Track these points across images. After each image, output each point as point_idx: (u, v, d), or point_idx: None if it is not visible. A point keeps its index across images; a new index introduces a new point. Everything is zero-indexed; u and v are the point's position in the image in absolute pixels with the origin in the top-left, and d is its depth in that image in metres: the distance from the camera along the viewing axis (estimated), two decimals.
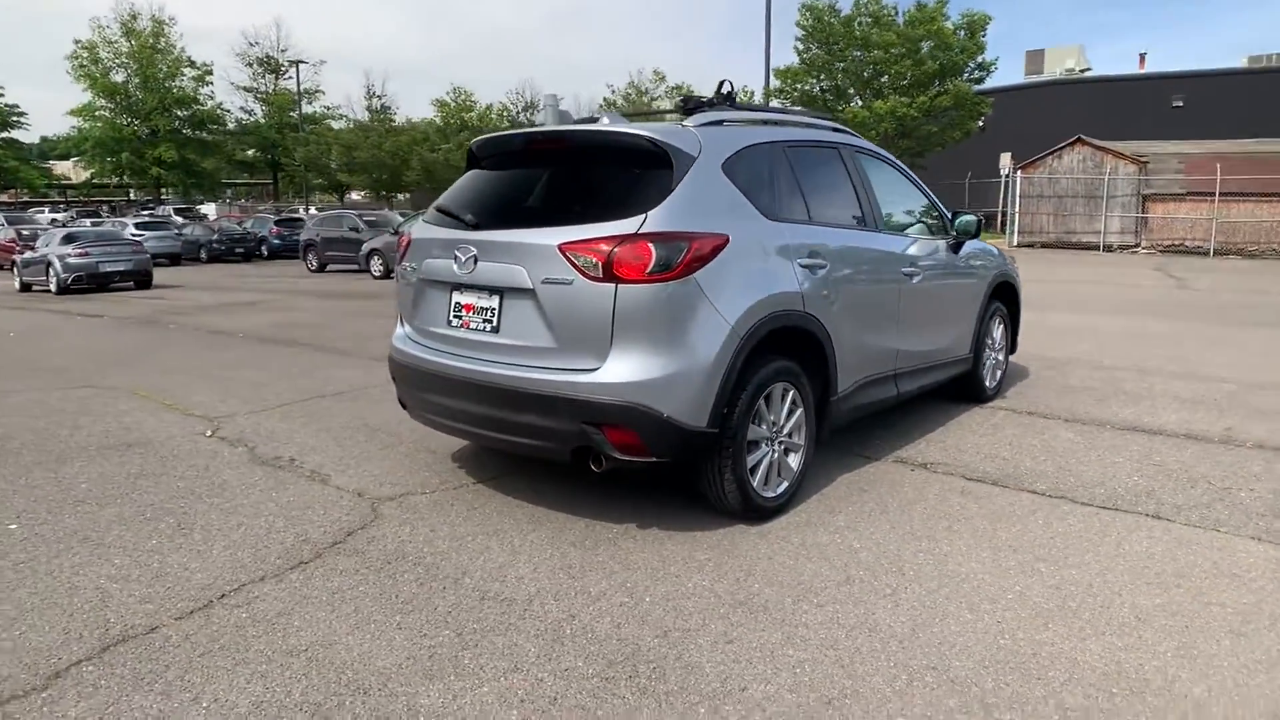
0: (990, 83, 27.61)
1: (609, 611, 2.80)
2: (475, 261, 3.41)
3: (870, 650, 2.56)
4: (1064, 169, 22.30)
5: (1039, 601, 2.87)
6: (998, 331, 5.74)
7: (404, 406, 4.04)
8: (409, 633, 2.65)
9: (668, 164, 3.29)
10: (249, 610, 2.79)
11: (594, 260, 3.09)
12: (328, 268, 22.33)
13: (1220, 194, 19.93)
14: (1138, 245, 21.54)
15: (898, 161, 4.89)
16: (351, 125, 47.57)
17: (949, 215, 5.17)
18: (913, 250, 4.60)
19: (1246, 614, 2.78)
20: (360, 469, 4.26)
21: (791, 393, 3.61)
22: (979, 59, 25.41)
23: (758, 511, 3.50)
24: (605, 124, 3.61)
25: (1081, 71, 37.03)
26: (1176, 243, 21.05)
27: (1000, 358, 5.86)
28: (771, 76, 27.56)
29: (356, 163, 40.85)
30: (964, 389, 5.49)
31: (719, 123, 3.65)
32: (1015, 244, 22.78)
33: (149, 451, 4.61)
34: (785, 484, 3.64)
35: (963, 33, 24.98)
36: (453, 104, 70.10)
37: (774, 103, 29.20)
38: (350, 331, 9.39)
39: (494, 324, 3.41)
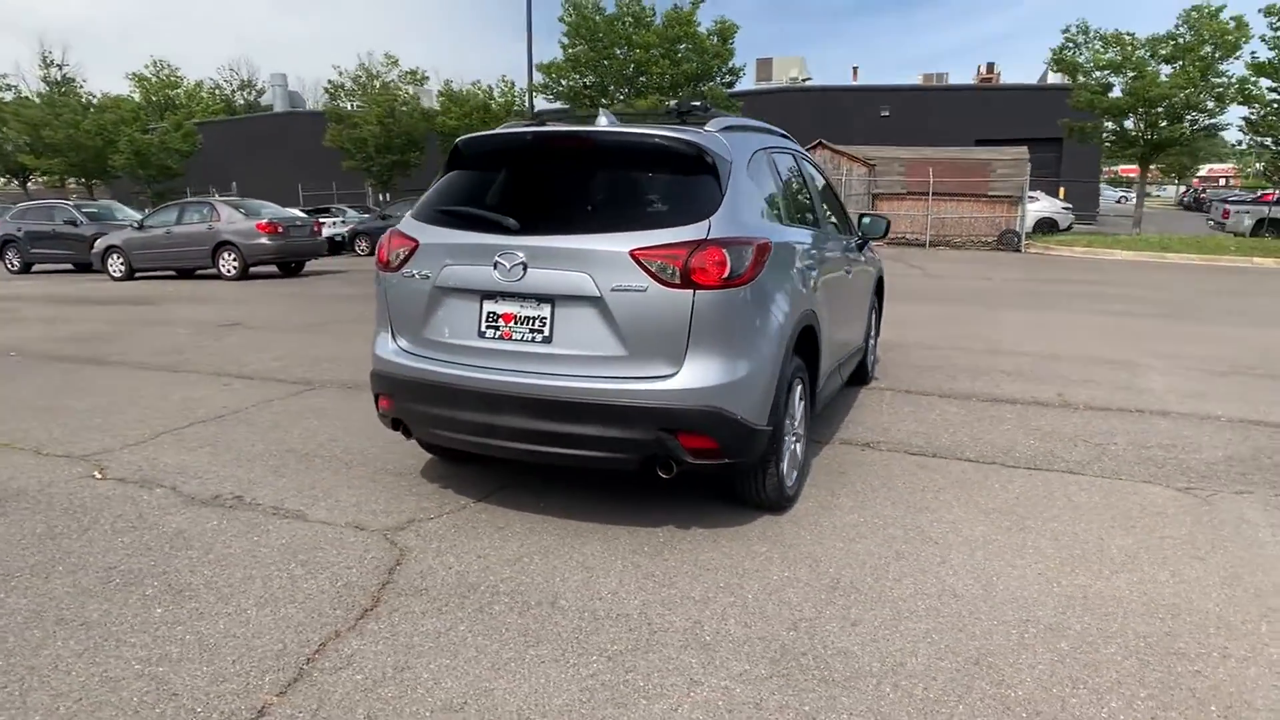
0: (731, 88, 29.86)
1: (727, 613, 2.86)
2: (525, 269, 3.25)
3: (970, 613, 2.88)
4: None
5: (1052, 553, 3.37)
6: (873, 321, 6.43)
7: (397, 426, 3.73)
8: (558, 665, 2.54)
9: (711, 168, 3.37)
10: (360, 671, 2.49)
11: (671, 267, 3.11)
12: (34, 267, 19.00)
13: (934, 194, 23.41)
14: None
15: (818, 164, 5.31)
16: (25, 97, 40.20)
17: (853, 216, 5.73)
18: (845, 250, 5.05)
19: (1192, 543, 3.48)
20: (332, 500, 3.85)
21: (800, 387, 3.86)
22: (729, 64, 27.39)
23: (787, 502, 3.72)
24: (604, 124, 3.59)
25: (804, 80, 41.29)
26: (899, 235, 24.33)
27: (874, 344, 6.58)
28: (535, 70, 27.62)
29: (45, 143, 34.66)
30: (853, 374, 6.09)
31: (729, 127, 3.77)
32: None
33: (38, 504, 3.79)
34: (796, 473, 3.89)
35: (715, 38, 26.78)
36: (154, 79, 61.65)
37: (539, 98, 29.32)
38: (157, 345, 8.14)
39: (545, 334, 3.28)
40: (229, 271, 15.25)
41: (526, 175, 3.67)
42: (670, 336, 3.16)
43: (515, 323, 3.33)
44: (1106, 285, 14.11)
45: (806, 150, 19.36)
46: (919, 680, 2.49)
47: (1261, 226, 24.53)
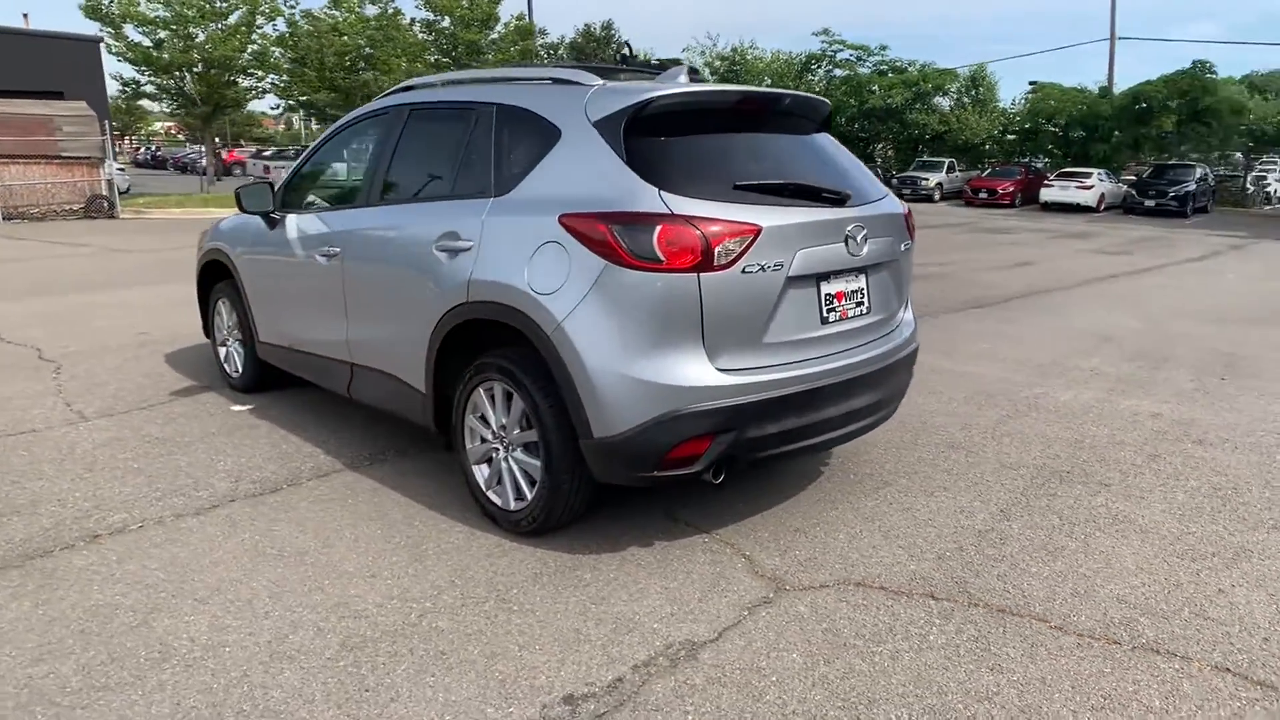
0: None
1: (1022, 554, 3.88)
2: (866, 241, 3.15)
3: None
4: None
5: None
6: None
7: (716, 468, 2.92)
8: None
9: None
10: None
11: (910, 224, 3.61)
12: None
13: None
14: None
15: None
16: None
17: None
18: None
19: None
20: (641, 623, 2.71)
21: None
22: None
23: None
24: (684, 80, 3.46)
25: None
26: None
27: None
28: None
29: None
30: None
31: None
32: None
33: None
34: None
35: None
36: None
37: None
38: None
39: (866, 304, 3.30)
40: None
41: (738, 140, 3.22)
42: (906, 287, 3.68)
43: (845, 300, 3.20)
44: None
45: None
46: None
47: None
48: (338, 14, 25.07)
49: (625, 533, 3.28)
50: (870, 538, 3.28)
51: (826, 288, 3.15)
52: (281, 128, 73.29)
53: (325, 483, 3.79)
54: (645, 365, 2.78)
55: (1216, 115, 29.91)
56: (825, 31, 38.11)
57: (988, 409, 5.00)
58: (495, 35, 28.87)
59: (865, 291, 3.33)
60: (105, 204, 20.36)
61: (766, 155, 3.30)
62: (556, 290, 2.87)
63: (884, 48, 37.73)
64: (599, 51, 47.91)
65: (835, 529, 3.35)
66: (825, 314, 3.15)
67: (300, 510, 3.49)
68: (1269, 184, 32.33)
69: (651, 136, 2.96)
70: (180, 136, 65.67)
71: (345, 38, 24.67)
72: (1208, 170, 29.49)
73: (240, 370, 5.13)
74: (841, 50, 38.72)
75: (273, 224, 4.50)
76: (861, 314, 3.32)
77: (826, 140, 3.58)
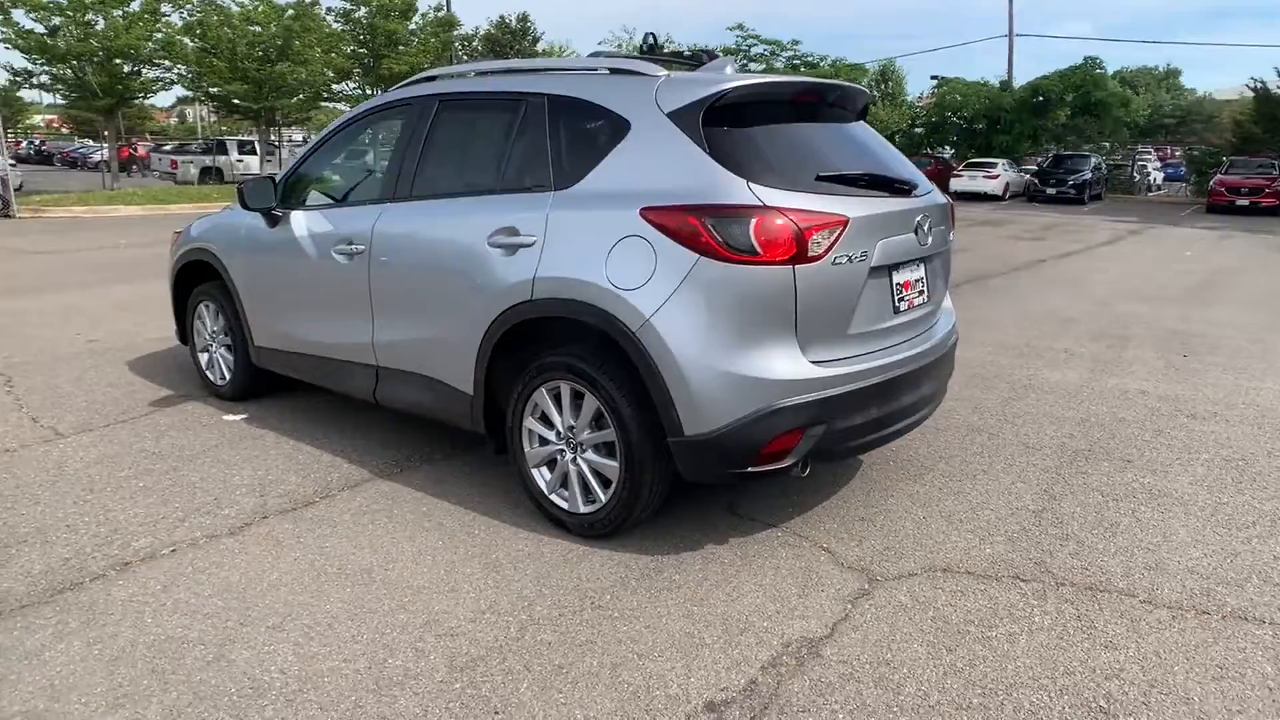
0: None
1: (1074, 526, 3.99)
2: (931, 230, 3.18)
3: None
4: None
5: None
6: None
7: (798, 464, 2.88)
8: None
9: None
10: None
11: (953, 215, 3.65)
12: None
13: None
14: None
15: None
16: None
17: None
18: None
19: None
20: (746, 625, 2.67)
21: None
22: None
23: None
24: (730, 70, 3.44)
25: None
26: None
27: None
28: None
29: None
30: None
31: None
32: None
33: None
34: None
35: None
36: None
37: None
38: None
39: (926, 293, 3.31)
40: None
41: (801, 130, 3.21)
42: (949, 276, 3.72)
43: (911, 289, 3.22)
44: None
45: None
46: None
47: (208, 175, 26.94)
48: (248, 2, 23.80)
49: (696, 531, 3.22)
50: (935, 523, 3.32)
51: (898, 277, 3.16)
52: (175, 120, 69.40)
53: (360, 493, 3.58)
54: (741, 360, 2.73)
55: (1105, 108, 31.86)
56: (740, 26, 38.41)
57: (989, 391, 5.15)
58: (414, 26, 28.09)
59: (925, 280, 3.36)
60: (0, 203, 18.84)
61: (828, 145, 3.28)
62: (641, 286, 2.78)
63: (796, 42, 38.21)
64: (515, 44, 47.13)
65: (899, 516, 3.38)
66: (897, 303, 3.16)
67: (346, 524, 3.28)
68: (1150, 173, 34.84)
69: (728, 127, 2.90)
70: (64, 130, 61.15)
71: (257, 27, 23.45)
72: (1101, 160, 31.36)
73: (227, 377, 4.80)
74: (756, 45, 39.14)
75: (274, 221, 4.21)
76: (923, 303, 3.35)
77: (867, 130, 3.58)
